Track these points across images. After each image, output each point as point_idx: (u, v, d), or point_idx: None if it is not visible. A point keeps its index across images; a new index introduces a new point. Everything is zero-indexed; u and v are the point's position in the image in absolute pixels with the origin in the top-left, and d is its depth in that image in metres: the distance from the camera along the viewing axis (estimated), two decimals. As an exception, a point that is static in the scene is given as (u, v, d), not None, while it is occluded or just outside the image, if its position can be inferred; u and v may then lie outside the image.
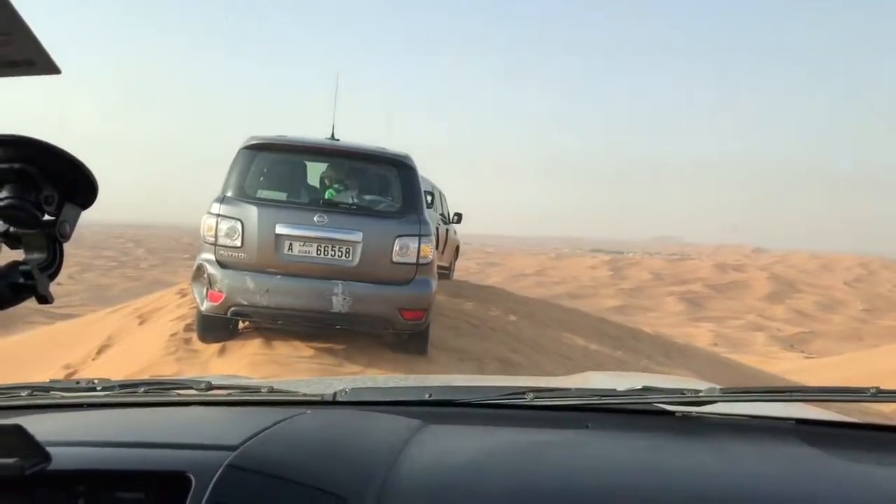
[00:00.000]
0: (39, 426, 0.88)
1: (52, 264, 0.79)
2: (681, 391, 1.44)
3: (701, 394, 1.40)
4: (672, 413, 1.42)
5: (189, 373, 5.66)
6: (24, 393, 1.47)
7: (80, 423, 1.31)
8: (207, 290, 5.77)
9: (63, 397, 1.47)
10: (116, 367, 6.53)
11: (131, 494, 0.99)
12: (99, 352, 7.63)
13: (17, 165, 0.74)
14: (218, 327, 6.26)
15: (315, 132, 6.89)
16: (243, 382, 1.76)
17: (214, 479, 0.93)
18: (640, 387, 1.50)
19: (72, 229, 0.79)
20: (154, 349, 6.46)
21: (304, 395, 1.52)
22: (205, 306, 5.86)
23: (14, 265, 0.76)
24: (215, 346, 6.22)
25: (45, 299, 0.77)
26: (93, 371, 6.86)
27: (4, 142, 0.74)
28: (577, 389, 1.55)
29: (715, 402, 1.38)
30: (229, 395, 1.52)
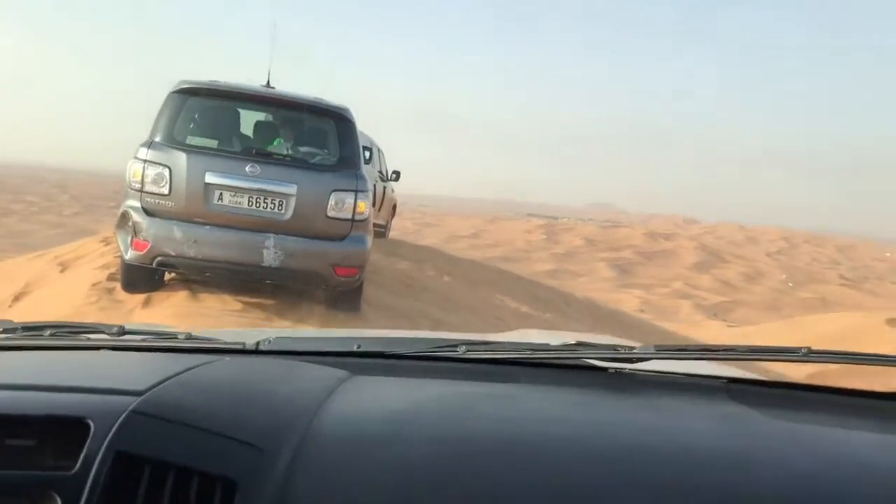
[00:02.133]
0: None
1: None
2: (614, 347, 1.44)
3: (635, 351, 1.40)
4: (605, 369, 1.41)
5: (112, 322, 5.48)
6: None
7: None
8: (132, 238, 5.55)
9: None
10: (34, 315, 6.27)
11: (23, 442, 0.92)
12: (15, 299, 7.32)
13: None
14: (143, 277, 6.06)
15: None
16: (160, 329, 1.66)
17: (115, 426, 0.87)
18: (573, 342, 1.49)
19: None
20: (75, 298, 6.24)
21: (225, 343, 1.45)
22: (129, 255, 5.64)
23: None
24: (140, 297, 6.04)
25: None
26: (9, 318, 6.59)
27: None
28: (510, 343, 1.53)
29: (649, 359, 1.38)
30: (143, 340, 1.44)
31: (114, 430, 0.87)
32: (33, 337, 1.42)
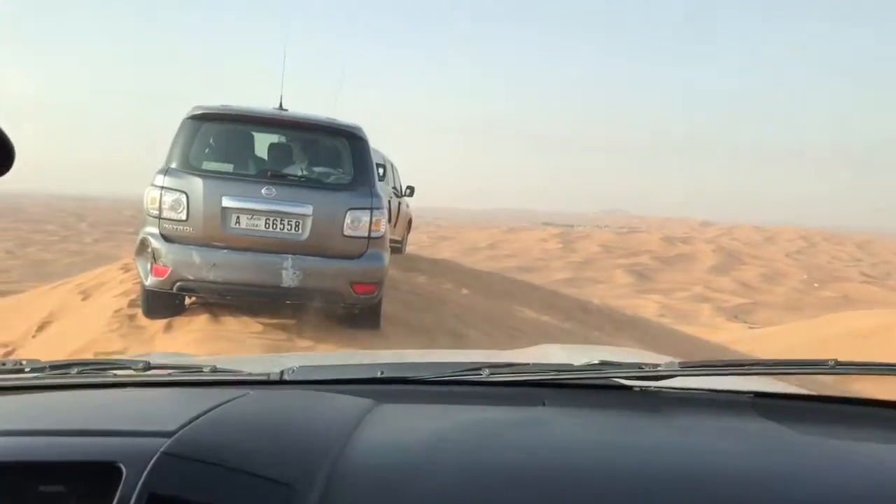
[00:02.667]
0: None
1: None
2: (639, 366, 1.42)
3: (659, 368, 1.38)
4: (630, 388, 1.40)
5: (135, 349, 5.52)
6: None
7: (6, 407, 1.23)
8: (152, 264, 5.60)
9: None
10: (58, 345, 6.34)
11: (56, 487, 0.92)
12: (39, 329, 7.39)
13: None
14: (163, 303, 6.11)
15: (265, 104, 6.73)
16: (185, 361, 1.67)
17: (147, 469, 0.87)
18: (597, 361, 1.47)
19: None
20: (98, 326, 6.28)
21: (249, 374, 1.45)
22: (149, 281, 5.69)
23: None
24: (161, 323, 6.07)
25: None
26: (34, 348, 6.65)
27: None
28: (533, 364, 1.51)
29: (673, 376, 1.36)
30: (169, 375, 1.44)
31: (146, 473, 0.87)
32: (61, 375, 1.41)
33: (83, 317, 7.35)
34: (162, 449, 0.91)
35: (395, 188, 12.15)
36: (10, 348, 6.77)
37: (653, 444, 1.17)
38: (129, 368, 1.45)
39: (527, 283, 15.42)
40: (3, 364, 1.48)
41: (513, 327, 9.03)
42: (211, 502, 0.86)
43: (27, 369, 1.44)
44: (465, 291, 10.70)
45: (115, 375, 1.42)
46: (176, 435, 0.96)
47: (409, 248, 14.16)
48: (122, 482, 0.86)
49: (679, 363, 1.41)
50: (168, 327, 5.98)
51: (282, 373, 1.42)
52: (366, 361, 1.82)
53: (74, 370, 1.43)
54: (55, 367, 1.45)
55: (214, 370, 1.45)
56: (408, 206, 13.35)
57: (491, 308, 10.00)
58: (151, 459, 0.89)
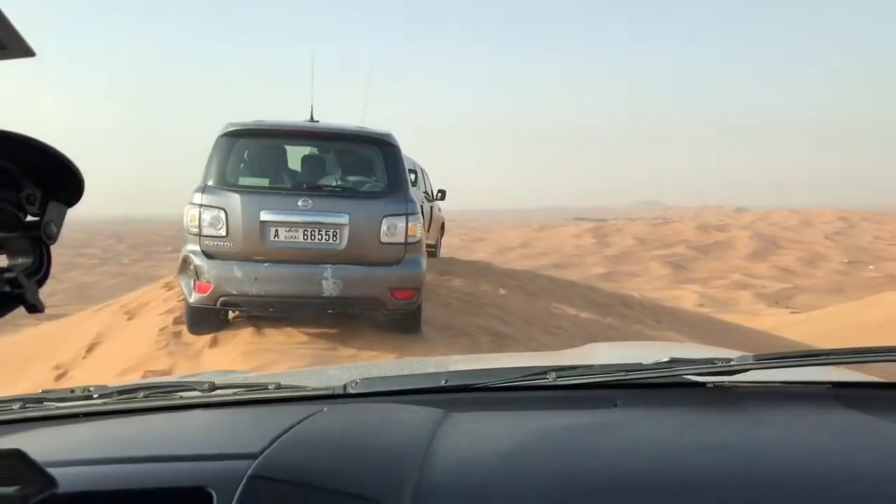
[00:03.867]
0: (39, 444, 0.83)
1: (40, 269, 0.71)
2: (710, 361, 1.39)
3: (732, 362, 1.35)
4: (703, 384, 1.37)
5: (183, 366, 5.61)
6: (15, 406, 1.39)
7: (82, 437, 1.25)
8: (195, 281, 5.70)
9: (58, 408, 1.39)
10: (108, 365, 6.47)
11: None
12: (89, 350, 7.54)
13: None
14: (208, 319, 6.20)
15: (296, 116, 6.80)
16: (246, 379, 1.67)
17: (238, 493, 0.88)
18: (666, 359, 1.44)
19: (58, 230, 0.72)
20: (145, 344, 6.39)
21: (314, 389, 1.46)
22: (193, 298, 5.79)
23: None
24: (207, 338, 6.16)
25: (35, 308, 0.70)
26: (84, 369, 6.78)
27: None
28: (600, 366, 1.48)
29: (747, 370, 1.33)
30: (235, 394, 1.45)
31: (237, 497, 0.87)
32: (128, 400, 1.43)
33: (130, 336, 7.48)
34: (249, 472, 0.92)
35: (426, 193, 12.20)
36: (62, 370, 6.92)
37: (733, 440, 1.15)
38: (194, 390, 1.46)
39: (563, 279, 15.36)
40: (72, 391, 1.49)
41: (553, 325, 9.00)
42: None
43: (95, 395, 1.45)
44: (502, 291, 10.69)
45: (182, 398, 1.44)
46: (261, 457, 0.97)
47: (443, 252, 14.19)
48: None
49: (753, 356, 1.38)
50: (214, 342, 6.07)
51: (345, 386, 1.43)
52: (418, 369, 1.81)
53: (141, 394, 1.45)
54: (122, 391, 1.47)
55: (278, 387, 1.46)
56: (440, 209, 13.39)
57: (529, 307, 9.98)
58: (240, 483, 0.89)
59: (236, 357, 5.51)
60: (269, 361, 5.33)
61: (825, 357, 1.40)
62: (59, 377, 6.67)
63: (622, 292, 15.86)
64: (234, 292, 5.66)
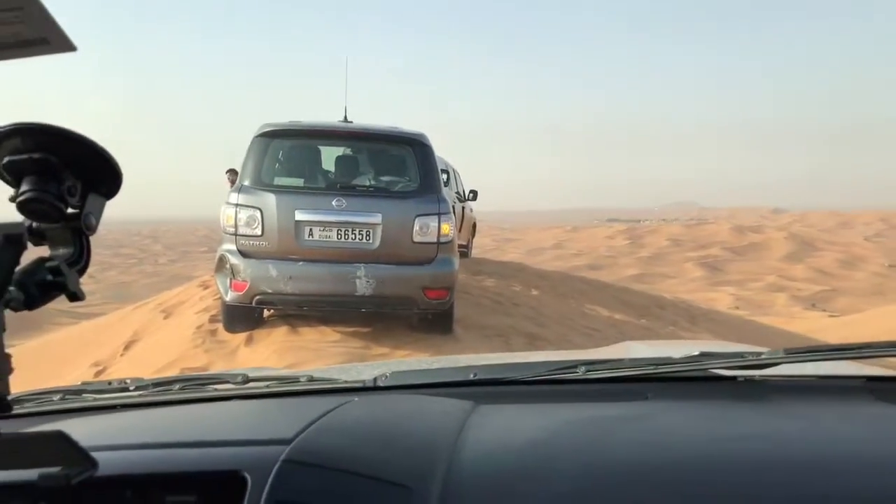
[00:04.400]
0: (79, 430, 0.84)
1: (80, 259, 0.74)
2: (741, 355, 1.38)
3: (763, 356, 1.33)
4: (734, 378, 1.35)
5: (219, 363, 5.69)
6: (56, 397, 1.43)
7: (121, 424, 1.28)
8: (231, 280, 5.77)
9: (96, 399, 1.43)
10: (145, 362, 6.58)
11: (181, 497, 0.95)
12: (126, 348, 7.69)
13: (36, 155, 0.69)
14: (243, 317, 6.28)
15: (330, 117, 6.86)
16: (279, 374, 1.70)
17: (272, 476, 0.89)
18: (696, 353, 1.43)
19: (97, 221, 0.75)
20: (182, 342, 6.49)
21: (345, 382, 1.47)
22: (229, 296, 5.86)
23: (41, 262, 0.71)
24: (242, 336, 6.24)
25: (76, 296, 0.72)
26: (122, 366, 6.91)
27: (22, 130, 0.69)
28: (630, 360, 1.47)
29: (778, 363, 1.31)
30: (268, 387, 1.46)
31: (270, 480, 0.88)
32: (164, 392, 1.46)
33: (167, 334, 7.61)
34: (283, 457, 0.93)
35: (458, 193, 12.21)
36: (101, 367, 7.06)
37: (764, 430, 1.14)
38: (228, 382, 1.48)
39: (597, 280, 15.26)
40: (109, 384, 1.52)
41: (587, 326, 8.95)
42: None
43: (132, 387, 1.48)
44: (534, 292, 10.66)
45: (216, 390, 1.46)
46: (294, 442, 0.98)
47: (474, 252, 14.18)
48: (247, 491, 0.88)
49: (784, 350, 1.36)
50: (249, 340, 6.14)
51: (375, 379, 1.44)
52: (447, 365, 1.81)
53: (176, 386, 1.48)
54: (158, 384, 1.50)
55: (310, 380, 1.48)
56: (471, 210, 13.39)
57: (562, 308, 9.94)
58: (274, 467, 0.90)
59: (271, 355, 5.57)
60: (302, 359, 5.38)
61: (857, 350, 1.37)
62: (98, 374, 6.81)
63: (656, 293, 15.71)
64: (270, 291, 5.73)
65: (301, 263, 5.72)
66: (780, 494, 0.91)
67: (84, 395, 1.45)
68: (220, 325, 6.61)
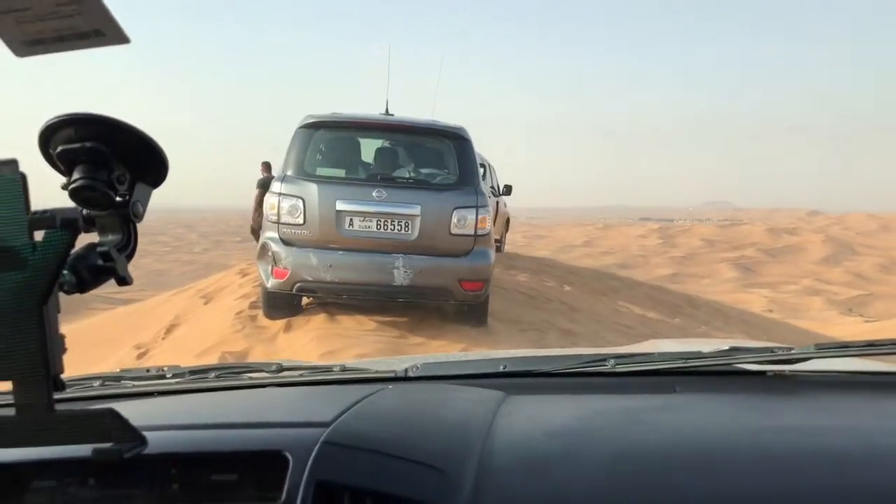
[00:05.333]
0: (124, 411, 0.86)
1: (128, 245, 0.77)
2: (770, 349, 1.38)
3: (794, 351, 1.33)
4: (763, 373, 1.36)
5: (258, 348, 5.82)
6: (96, 383, 1.46)
7: (163, 408, 1.32)
8: (272, 267, 5.91)
9: (135, 386, 1.46)
10: (186, 346, 6.74)
11: (225, 476, 0.97)
12: (168, 331, 7.87)
13: (88, 144, 0.72)
14: (283, 304, 6.42)
15: (371, 109, 6.96)
16: (313, 364, 1.73)
17: (312, 456, 0.92)
18: (726, 347, 1.44)
19: (144, 209, 0.78)
20: (222, 327, 6.65)
21: (377, 372, 1.50)
22: (270, 283, 6.00)
23: (92, 247, 0.74)
24: (281, 323, 6.38)
25: (124, 280, 0.75)
26: (164, 349, 7.09)
27: (76, 120, 0.72)
28: (659, 354, 1.48)
29: (808, 359, 1.32)
30: (301, 375, 1.50)
31: (311, 460, 0.91)
32: (200, 380, 1.49)
33: (207, 319, 7.78)
34: (322, 438, 0.96)
35: (493, 187, 12.26)
36: (143, 350, 7.24)
37: (794, 422, 1.14)
38: (262, 371, 1.51)
39: (629, 279, 15.21)
40: (147, 371, 1.56)
41: (620, 323, 8.96)
42: (372, 488, 0.90)
43: (169, 375, 1.52)
44: (567, 288, 10.69)
45: (252, 378, 1.49)
46: (333, 425, 1.01)
47: (506, 248, 14.22)
48: (289, 470, 0.91)
49: (814, 346, 1.35)
50: (288, 327, 6.27)
51: (406, 370, 1.47)
52: (483, 358, 1.84)
53: (212, 374, 1.52)
54: (194, 371, 1.54)
55: (343, 370, 1.51)
56: (505, 205, 13.42)
57: (595, 305, 9.95)
58: (314, 448, 0.94)
59: (309, 342, 5.68)
60: (340, 346, 5.49)
61: (889, 347, 1.36)
62: (141, 356, 6.99)
63: (690, 293, 15.62)
64: (310, 279, 5.85)
65: (341, 252, 5.83)
66: (811, 485, 0.91)
67: (123, 381, 1.49)
68: (259, 312, 6.76)
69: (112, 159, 0.73)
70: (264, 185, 11.46)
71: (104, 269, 0.73)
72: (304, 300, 6.72)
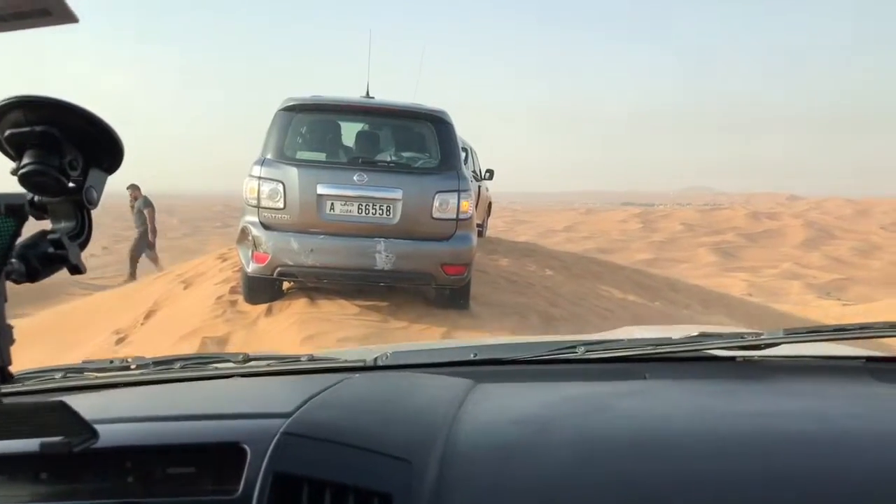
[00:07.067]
0: (81, 405, 0.84)
1: (82, 233, 0.74)
2: (740, 335, 1.38)
3: (762, 337, 1.34)
4: (733, 359, 1.37)
5: (239, 333, 5.78)
6: (57, 375, 1.43)
7: (122, 400, 1.29)
8: (253, 251, 5.86)
9: (97, 377, 1.44)
10: (166, 331, 6.68)
11: (182, 469, 0.96)
12: (147, 317, 7.78)
13: (38, 128, 0.68)
14: (264, 288, 6.37)
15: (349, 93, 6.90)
16: (281, 354, 1.71)
17: (271, 448, 0.90)
18: (696, 333, 1.44)
19: (99, 195, 0.74)
20: (202, 312, 6.58)
21: (346, 361, 1.48)
22: (251, 268, 5.96)
23: (42, 235, 0.71)
24: (262, 307, 6.32)
25: (77, 269, 0.72)
26: (143, 335, 7.02)
27: (24, 103, 0.68)
28: (629, 340, 1.48)
29: (777, 344, 1.32)
30: (268, 365, 1.48)
31: (269, 452, 0.89)
32: (165, 370, 1.46)
33: (187, 304, 7.70)
34: (282, 429, 0.94)
35: (474, 172, 12.23)
36: (122, 335, 7.16)
37: (763, 407, 1.15)
38: (229, 361, 1.49)
39: (611, 263, 15.28)
40: (111, 362, 1.52)
41: (600, 307, 8.99)
42: (333, 479, 0.88)
43: (133, 366, 1.49)
44: (548, 272, 10.70)
45: (217, 368, 1.47)
46: (293, 416, 0.99)
47: (488, 232, 14.21)
48: (247, 463, 0.89)
49: (783, 331, 1.36)
50: (269, 311, 6.23)
51: (376, 359, 1.45)
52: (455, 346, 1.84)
53: (178, 365, 1.49)
54: (159, 362, 1.51)
55: (311, 359, 1.48)
56: (487, 189, 13.41)
57: (577, 288, 9.98)
58: (273, 439, 0.92)
59: (291, 325, 5.65)
60: (322, 330, 5.47)
61: (857, 331, 1.38)
62: (120, 341, 6.92)
63: (670, 277, 15.73)
64: (291, 263, 5.81)
65: (322, 237, 5.80)
66: (778, 468, 0.91)
67: (85, 373, 1.46)
68: (239, 297, 6.70)
69: (64, 143, 0.70)
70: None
71: (55, 257, 0.71)
72: (285, 285, 6.67)
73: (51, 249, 0.70)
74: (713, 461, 0.93)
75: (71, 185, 0.71)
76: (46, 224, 0.73)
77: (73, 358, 6.10)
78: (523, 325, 6.73)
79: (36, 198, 0.71)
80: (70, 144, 0.70)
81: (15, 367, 1.39)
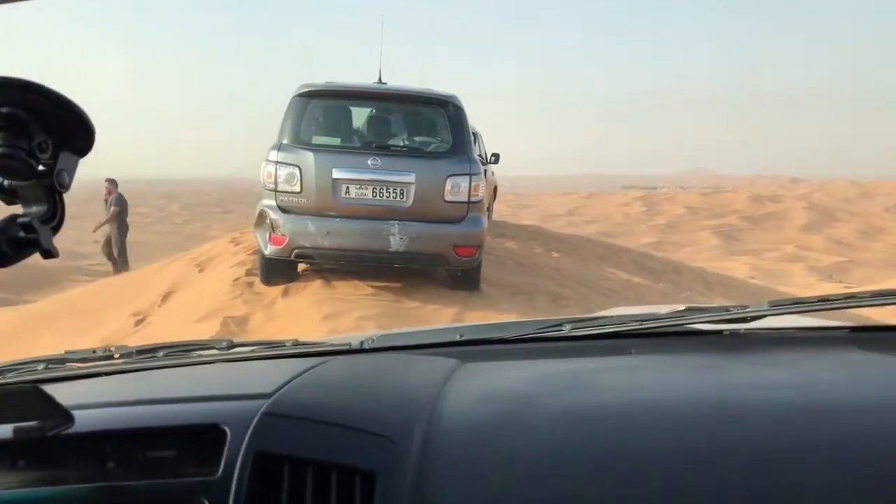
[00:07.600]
0: (61, 394, 0.85)
1: (54, 217, 0.71)
2: (725, 308, 1.40)
3: (748, 310, 1.35)
4: (719, 332, 1.37)
5: (258, 314, 5.96)
6: (39, 367, 1.41)
7: (103, 387, 1.29)
8: (270, 234, 6.04)
9: (80, 368, 1.41)
10: (184, 312, 6.84)
11: (163, 452, 0.95)
12: (164, 299, 7.95)
13: (4, 110, 0.66)
14: (281, 270, 6.55)
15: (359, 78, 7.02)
16: (267, 340, 1.67)
17: (251, 428, 0.90)
18: (682, 308, 1.46)
19: (71, 178, 0.72)
20: (220, 293, 6.76)
21: (332, 345, 1.47)
22: (269, 250, 6.13)
23: (12, 219, 0.69)
24: (279, 289, 6.50)
25: (49, 253, 0.70)
26: (161, 316, 7.18)
27: None
28: (615, 316, 1.47)
29: (763, 316, 1.34)
30: (252, 351, 1.46)
31: (250, 432, 0.89)
32: (148, 359, 1.44)
33: (204, 286, 7.87)
34: (262, 409, 0.94)
35: (481, 156, 12.34)
36: (140, 316, 7.34)
37: (748, 378, 1.16)
38: (213, 348, 1.48)
39: (616, 245, 15.44)
40: (94, 352, 1.50)
41: (606, 288, 9.16)
42: (314, 458, 0.87)
43: (116, 355, 1.47)
44: (555, 255, 10.87)
45: (201, 355, 1.46)
46: (274, 396, 0.99)
47: (493, 216, 14.34)
48: (227, 443, 0.89)
49: (768, 303, 1.37)
50: (286, 292, 6.41)
51: (361, 342, 1.45)
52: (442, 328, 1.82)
53: (161, 353, 1.47)
54: (142, 351, 1.49)
55: (296, 344, 1.48)
56: (493, 173, 13.52)
57: (583, 270, 10.14)
58: (253, 420, 0.91)
59: (309, 306, 5.83)
60: (339, 310, 5.64)
61: (842, 301, 1.38)
62: (139, 323, 7.10)
63: (674, 260, 15.88)
64: (308, 245, 5.99)
65: (338, 220, 5.97)
66: (762, 438, 0.92)
67: (68, 363, 1.44)
68: (256, 279, 6.88)
69: (32, 125, 0.67)
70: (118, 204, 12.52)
71: (27, 241, 0.68)
72: (300, 267, 6.85)
73: (22, 234, 0.68)
74: (699, 433, 0.94)
75: (41, 168, 0.69)
76: (18, 209, 0.72)
77: (90, 341, 6.27)
78: (532, 305, 6.91)
79: (5, 182, 0.70)
80: (38, 126, 0.68)
81: (27, 353, 1.49)
